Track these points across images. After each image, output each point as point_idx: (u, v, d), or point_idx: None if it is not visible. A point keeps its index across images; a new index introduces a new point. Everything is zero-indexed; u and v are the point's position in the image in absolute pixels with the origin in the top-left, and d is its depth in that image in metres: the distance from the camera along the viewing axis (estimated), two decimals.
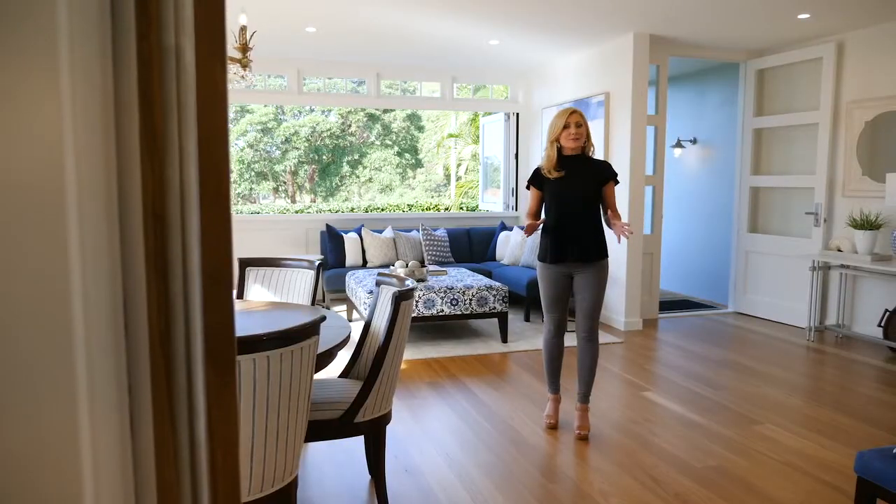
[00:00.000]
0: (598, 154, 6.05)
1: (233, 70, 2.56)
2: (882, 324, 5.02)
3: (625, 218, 5.74)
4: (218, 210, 0.68)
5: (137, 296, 0.65)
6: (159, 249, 0.66)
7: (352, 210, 13.85)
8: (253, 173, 17.83)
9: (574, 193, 3.28)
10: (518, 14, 5.02)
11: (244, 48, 2.50)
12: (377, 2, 4.70)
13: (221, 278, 0.69)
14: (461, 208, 13.16)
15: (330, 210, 14.10)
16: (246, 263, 3.42)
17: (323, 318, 1.94)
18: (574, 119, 3.23)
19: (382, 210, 13.43)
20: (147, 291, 0.65)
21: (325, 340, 2.37)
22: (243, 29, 2.50)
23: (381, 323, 2.63)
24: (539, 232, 3.49)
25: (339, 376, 2.84)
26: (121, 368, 0.64)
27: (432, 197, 18.58)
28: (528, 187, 3.45)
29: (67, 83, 0.54)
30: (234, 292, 2.64)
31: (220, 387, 0.71)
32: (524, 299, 6.07)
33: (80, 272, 0.56)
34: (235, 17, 2.69)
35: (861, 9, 4.82)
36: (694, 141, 7.64)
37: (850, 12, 4.91)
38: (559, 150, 3.30)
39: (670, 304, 6.96)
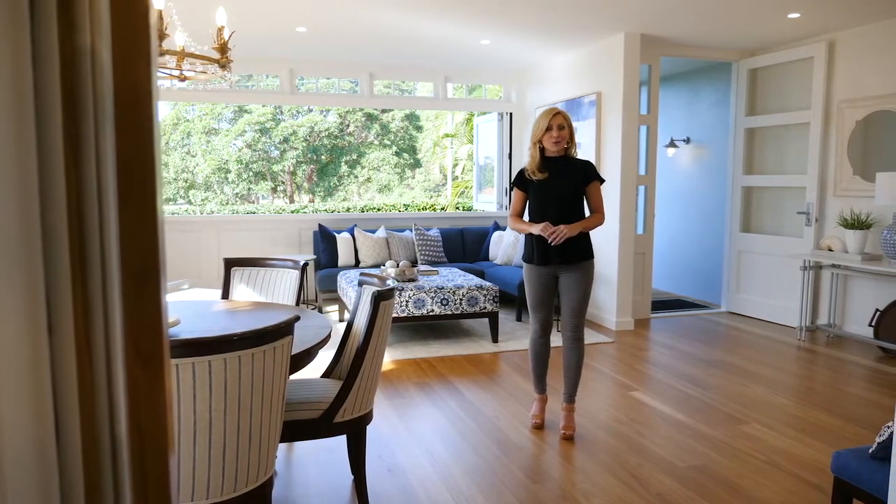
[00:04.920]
0: (590, 154, 6.07)
1: (211, 70, 2.56)
2: (873, 323, 5.02)
3: (616, 217, 5.74)
4: (143, 211, 0.68)
5: (62, 297, 0.66)
6: (83, 251, 0.66)
7: (348, 210, 13.86)
8: (251, 173, 17.83)
9: (557, 195, 3.28)
10: (507, 13, 5.02)
11: (223, 48, 2.50)
12: (367, 2, 4.71)
13: (149, 277, 0.70)
14: (457, 208, 13.16)
15: (326, 210, 14.10)
16: (231, 263, 3.42)
17: (297, 318, 1.94)
18: (557, 121, 3.23)
19: (378, 210, 13.43)
20: (73, 293, 0.66)
21: (304, 340, 2.37)
22: (221, 29, 2.49)
23: (362, 323, 2.63)
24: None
25: (322, 376, 2.84)
26: (42, 371, 0.64)
27: (431, 197, 18.58)
28: (511, 188, 3.46)
29: None
30: (220, 292, 2.61)
31: (150, 387, 0.71)
32: (516, 299, 6.07)
33: None
34: (213, 16, 2.69)
35: (851, 8, 4.82)
36: (687, 140, 7.64)
37: (841, 12, 4.91)
38: (542, 151, 3.31)
39: (663, 304, 6.96)
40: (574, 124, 5.95)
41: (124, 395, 0.67)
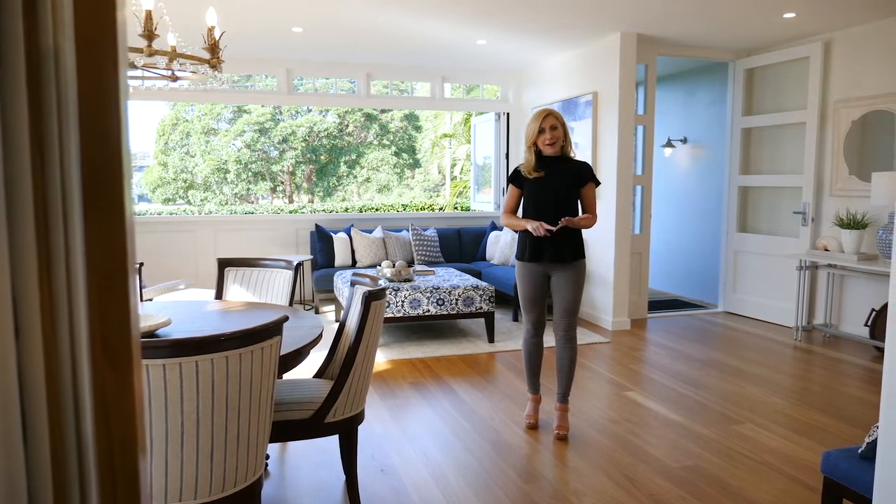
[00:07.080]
0: (587, 154, 6.07)
1: (202, 70, 2.56)
2: (868, 323, 5.02)
3: (613, 217, 5.74)
4: (110, 212, 0.68)
5: (29, 299, 0.66)
6: (50, 253, 0.66)
7: (346, 210, 13.85)
8: (250, 173, 17.82)
9: (551, 194, 3.28)
10: (503, 13, 5.02)
11: (213, 48, 2.50)
12: (362, 2, 4.70)
13: (116, 279, 0.70)
14: (455, 208, 13.16)
15: (323, 210, 14.10)
16: (225, 264, 3.42)
17: (285, 319, 1.94)
18: (549, 122, 3.23)
19: (376, 210, 13.43)
20: (40, 295, 0.66)
21: (295, 339, 2.38)
22: (211, 29, 2.49)
23: (353, 323, 2.63)
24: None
25: (314, 376, 2.84)
26: (9, 373, 0.65)
27: (430, 197, 18.57)
28: (507, 184, 3.47)
29: None
30: (213, 293, 2.62)
31: (119, 387, 0.71)
32: (513, 299, 6.07)
33: None
34: (205, 17, 2.69)
35: (846, 8, 4.81)
36: (684, 140, 7.64)
37: (835, 12, 4.91)
38: (538, 152, 3.31)
39: (660, 304, 6.96)
40: (570, 124, 5.97)
41: (93, 395, 0.67)
